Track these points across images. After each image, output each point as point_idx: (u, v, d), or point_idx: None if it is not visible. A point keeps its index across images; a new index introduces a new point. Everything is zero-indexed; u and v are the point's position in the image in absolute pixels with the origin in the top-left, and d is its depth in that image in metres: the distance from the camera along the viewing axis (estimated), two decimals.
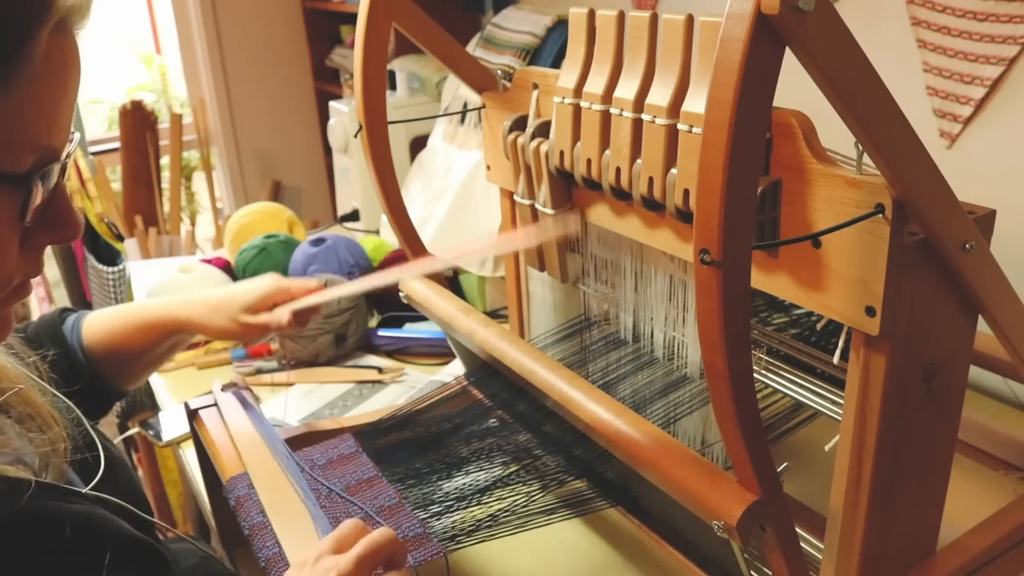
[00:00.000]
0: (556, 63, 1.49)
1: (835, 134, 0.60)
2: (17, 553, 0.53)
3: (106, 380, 0.93)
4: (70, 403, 0.72)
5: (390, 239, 1.70)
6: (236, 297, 0.96)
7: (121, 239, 2.31)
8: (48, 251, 2.00)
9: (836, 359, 0.69)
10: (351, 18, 2.60)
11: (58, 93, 0.51)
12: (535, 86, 0.88)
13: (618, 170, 0.76)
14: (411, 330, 1.42)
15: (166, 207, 2.82)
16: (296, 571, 0.66)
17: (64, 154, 0.53)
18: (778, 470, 0.62)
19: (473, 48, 1.77)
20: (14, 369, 0.67)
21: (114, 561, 0.56)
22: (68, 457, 0.64)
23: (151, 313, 0.95)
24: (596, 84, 0.77)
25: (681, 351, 0.87)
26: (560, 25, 1.67)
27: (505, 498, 0.84)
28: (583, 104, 0.78)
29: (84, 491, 0.62)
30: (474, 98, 1.06)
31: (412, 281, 1.05)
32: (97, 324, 0.93)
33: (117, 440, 1.54)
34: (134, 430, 1.50)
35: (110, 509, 0.62)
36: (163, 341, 0.95)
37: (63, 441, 0.64)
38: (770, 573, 0.67)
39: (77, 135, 0.57)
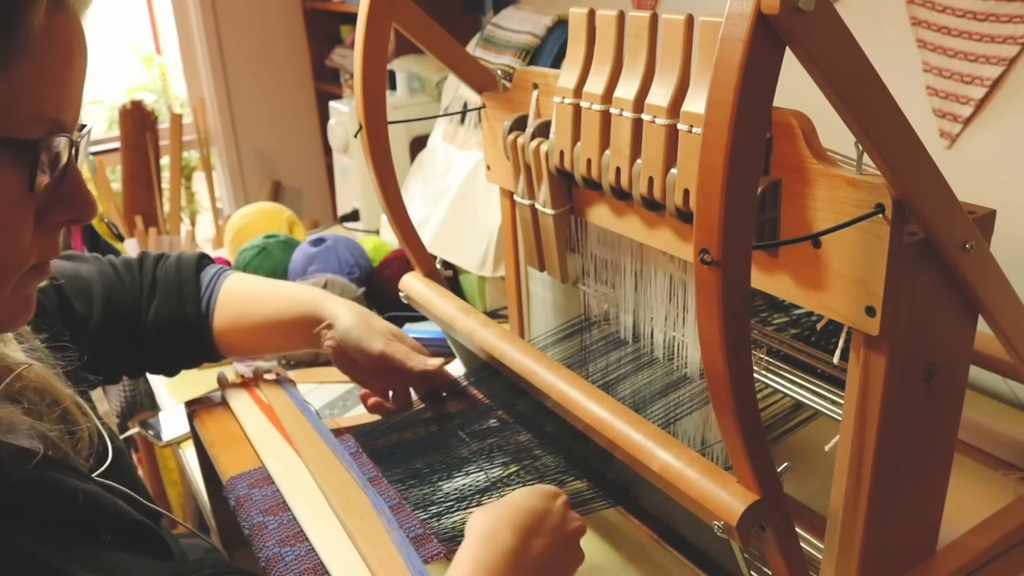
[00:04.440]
0: (556, 63, 1.49)
1: (835, 134, 0.60)
2: (25, 517, 0.53)
3: (216, 349, 0.92)
4: (78, 398, 0.72)
5: (390, 239, 1.70)
6: (379, 320, 0.93)
7: (121, 239, 2.31)
8: None
9: (836, 359, 0.69)
10: (351, 18, 2.60)
11: (62, 68, 0.51)
12: (535, 86, 0.88)
13: (618, 170, 0.76)
14: (411, 330, 1.42)
15: (166, 207, 2.82)
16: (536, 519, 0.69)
17: (75, 133, 0.54)
18: (778, 470, 0.62)
19: (473, 48, 1.77)
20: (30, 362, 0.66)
21: (117, 539, 0.57)
22: (82, 446, 0.64)
23: (302, 310, 0.91)
24: (596, 84, 0.77)
25: (681, 351, 0.87)
26: (560, 25, 1.67)
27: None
28: (583, 104, 0.78)
29: (92, 476, 0.63)
30: (474, 98, 1.06)
31: (413, 281, 1.05)
32: (238, 292, 0.91)
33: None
34: (134, 430, 1.50)
35: (116, 496, 0.63)
36: (301, 343, 0.93)
37: (80, 427, 0.64)
38: (770, 573, 0.67)
39: (89, 127, 0.57)
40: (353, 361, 0.92)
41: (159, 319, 0.87)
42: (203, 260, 0.94)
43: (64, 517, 0.56)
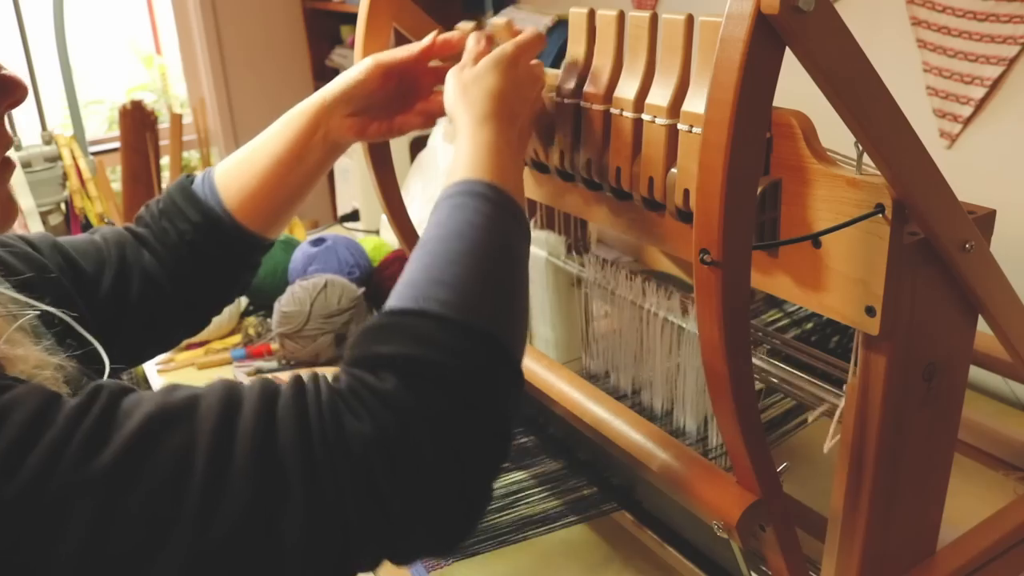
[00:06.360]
0: (556, 63, 1.49)
1: (835, 134, 0.60)
2: None
3: (250, 232, 0.84)
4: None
5: (390, 239, 1.70)
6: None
7: None
8: None
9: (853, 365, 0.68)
10: (351, 18, 2.60)
11: None
12: None
13: (618, 170, 0.76)
14: None
15: None
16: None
17: None
18: (778, 470, 0.62)
19: None
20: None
21: None
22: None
23: (296, 120, 0.85)
24: (596, 84, 0.77)
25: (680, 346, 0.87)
26: (560, 25, 1.67)
27: (504, 503, 0.84)
28: (583, 104, 0.78)
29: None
30: None
31: None
32: (228, 165, 0.85)
33: None
34: None
35: None
36: (306, 148, 0.83)
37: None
38: (770, 573, 0.67)
39: None
40: (370, 121, 0.87)
41: (179, 231, 0.82)
42: (189, 176, 0.87)
43: None
